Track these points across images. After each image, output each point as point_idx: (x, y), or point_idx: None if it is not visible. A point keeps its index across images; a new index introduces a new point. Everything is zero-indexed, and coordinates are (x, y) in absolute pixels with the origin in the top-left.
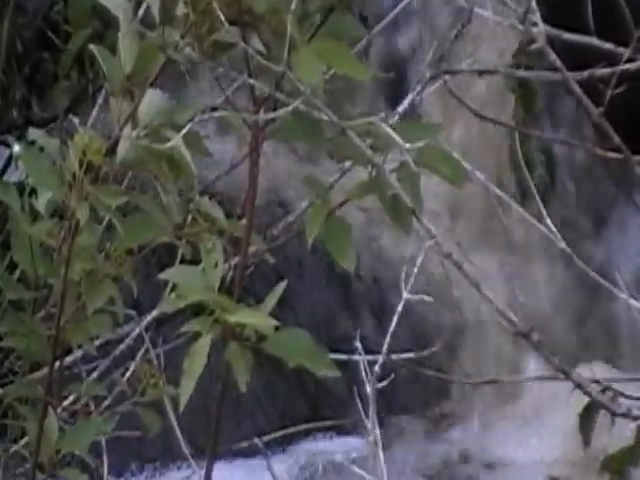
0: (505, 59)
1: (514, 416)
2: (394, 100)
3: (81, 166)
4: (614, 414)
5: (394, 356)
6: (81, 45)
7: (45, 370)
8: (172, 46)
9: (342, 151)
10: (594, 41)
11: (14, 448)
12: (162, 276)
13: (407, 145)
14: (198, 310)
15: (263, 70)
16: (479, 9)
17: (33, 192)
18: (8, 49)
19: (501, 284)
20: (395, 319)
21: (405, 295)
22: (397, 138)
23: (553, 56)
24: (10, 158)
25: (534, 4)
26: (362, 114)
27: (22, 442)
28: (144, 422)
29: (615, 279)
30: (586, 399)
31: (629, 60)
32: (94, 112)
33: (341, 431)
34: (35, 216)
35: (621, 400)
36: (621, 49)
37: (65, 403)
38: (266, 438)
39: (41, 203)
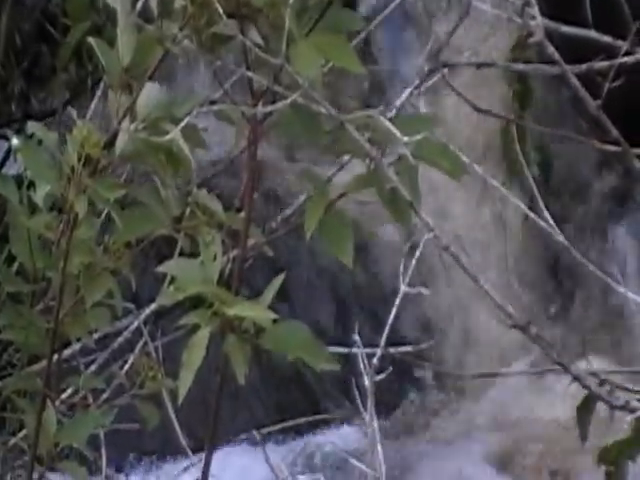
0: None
1: None
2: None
3: (79, 159)
4: (612, 407)
5: (392, 349)
6: (79, 38)
7: (43, 363)
8: (170, 39)
9: (340, 144)
10: (592, 34)
11: (13, 441)
12: (160, 269)
13: (405, 138)
14: (197, 303)
15: (261, 63)
16: (478, 2)
17: (32, 185)
18: (7, 42)
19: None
20: (393, 312)
21: (403, 288)
22: (395, 131)
23: (551, 49)
24: (9, 151)
25: None
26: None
27: (20, 435)
28: (143, 415)
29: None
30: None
31: (627, 53)
32: (92, 105)
33: (339, 422)
34: (34, 209)
35: (619, 393)
36: (619, 42)
37: (63, 396)
38: (264, 430)
39: (39, 196)
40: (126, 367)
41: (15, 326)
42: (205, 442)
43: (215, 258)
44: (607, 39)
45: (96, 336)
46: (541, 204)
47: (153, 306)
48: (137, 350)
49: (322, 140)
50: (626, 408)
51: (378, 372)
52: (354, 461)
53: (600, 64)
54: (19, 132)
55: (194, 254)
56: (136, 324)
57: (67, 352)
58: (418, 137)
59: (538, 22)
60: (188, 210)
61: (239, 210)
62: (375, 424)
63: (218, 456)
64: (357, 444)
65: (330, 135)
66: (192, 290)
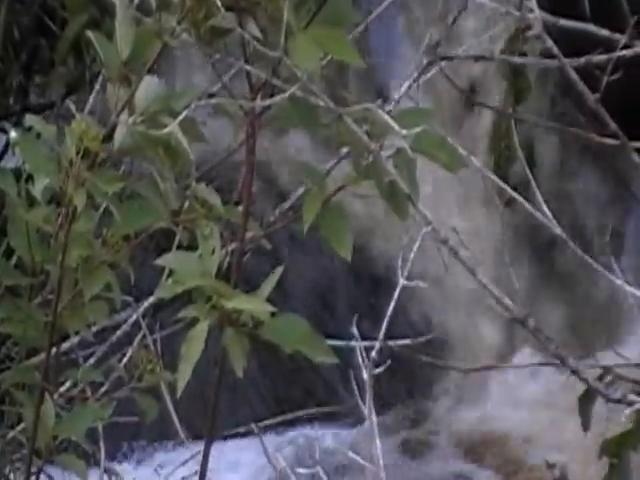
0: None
1: None
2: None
3: (78, 152)
4: (609, 400)
5: (390, 342)
6: (78, 31)
7: (42, 356)
8: (169, 32)
9: (339, 137)
10: (590, 28)
11: (11, 434)
12: (159, 262)
13: (404, 131)
14: (195, 296)
15: (260, 56)
16: None
17: (30, 178)
18: (5, 36)
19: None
20: (392, 305)
21: (401, 281)
22: (394, 124)
23: (550, 42)
24: (7, 144)
25: None
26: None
27: (19, 428)
28: (141, 408)
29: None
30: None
31: (625, 47)
32: (91, 98)
33: (337, 416)
34: (32, 202)
35: (619, 384)
36: (617, 36)
37: (62, 389)
38: (262, 424)
39: (38, 189)
40: (125, 360)
41: (13, 319)
42: (204, 435)
43: (213, 251)
44: (605, 32)
45: (94, 329)
46: (539, 197)
47: (152, 299)
48: (136, 343)
49: (320, 133)
50: (623, 401)
51: (376, 365)
52: (352, 454)
53: (598, 57)
54: (17, 125)
55: (192, 247)
56: (135, 317)
57: (65, 345)
58: (416, 130)
59: (536, 15)
60: (187, 203)
61: (237, 203)
62: (374, 418)
63: (215, 448)
64: (356, 437)
65: (328, 128)
66: (191, 283)
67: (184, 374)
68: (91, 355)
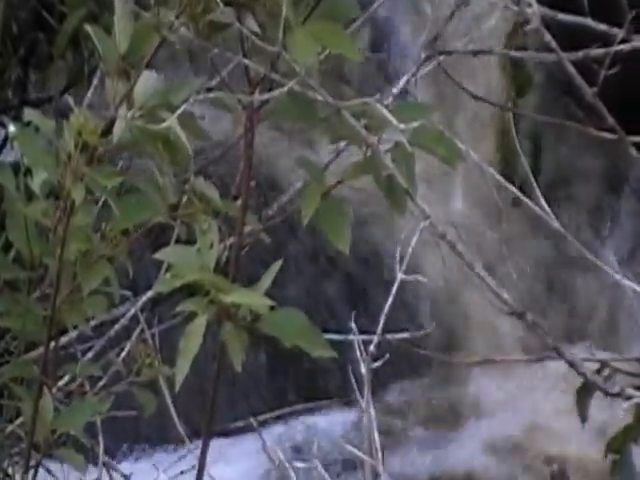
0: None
1: None
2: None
3: (76, 146)
4: (607, 394)
5: (389, 336)
6: (76, 25)
7: (40, 350)
8: (167, 26)
9: (337, 131)
10: (588, 22)
11: (10, 428)
12: (157, 256)
13: (402, 126)
14: (194, 290)
15: (258, 51)
16: None
17: (28, 172)
18: (3, 30)
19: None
20: (390, 299)
21: (399, 275)
22: (392, 119)
23: (548, 37)
24: (6, 138)
25: None
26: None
27: (17, 422)
28: (139, 402)
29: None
30: None
31: (623, 41)
32: (89, 93)
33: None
34: (30, 196)
35: (617, 378)
36: (615, 30)
37: (60, 383)
38: (261, 417)
39: (36, 183)
40: (123, 354)
41: (12, 313)
42: (202, 430)
43: (212, 246)
44: (603, 27)
45: (93, 323)
46: (537, 191)
47: (150, 293)
48: (134, 337)
49: (319, 127)
50: (621, 395)
51: (374, 359)
52: (351, 448)
53: (596, 52)
54: (16, 119)
55: (191, 241)
56: (133, 311)
57: (64, 339)
58: (414, 124)
59: (534, 9)
60: (185, 198)
61: (236, 197)
62: (372, 411)
63: (214, 444)
64: (354, 431)
65: (327, 122)
66: (189, 277)
67: (182, 368)
68: (89, 349)
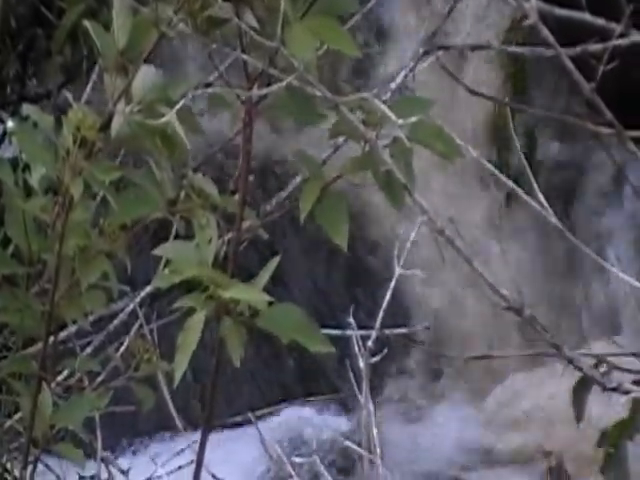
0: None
1: None
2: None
3: (75, 142)
4: (605, 388)
5: (387, 331)
6: (75, 21)
7: (39, 345)
8: (165, 22)
9: (335, 127)
10: (586, 17)
11: (8, 423)
12: (156, 252)
13: (400, 121)
14: (192, 286)
15: (256, 46)
16: None
17: (27, 168)
18: (2, 25)
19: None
20: (388, 294)
21: (398, 270)
22: (390, 114)
23: (546, 32)
24: (4, 134)
25: None
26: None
27: (16, 417)
28: (138, 397)
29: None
30: None
31: (621, 36)
32: (88, 88)
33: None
34: (29, 191)
35: (615, 374)
36: (613, 25)
37: (59, 378)
38: (259, 412)
39: (35, 179)
40: (122, 349)
41: (10, 309)
42: (200, 424)
43: (210, 241)
44: (601, 22)
45: (91, 318)
46: (535, 187)
47: (148, 289)
48: (132, 332)
49: (317, 122)
50: (619, 390)
51: (373, 354)
52: (350, 443)
53: (594, 47)
54: (14, 115)
55: (189, 237)
56: (131, 307)
57: (63, 334)
58: (413, 119)
59: (532, 4)
60: (183, 193)
61: (234, 193)
62: (370, 406)
63: (212, 438)
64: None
65: (325, 117)
66: (188, 273)
67: (181, 364)
68: (88, 344)
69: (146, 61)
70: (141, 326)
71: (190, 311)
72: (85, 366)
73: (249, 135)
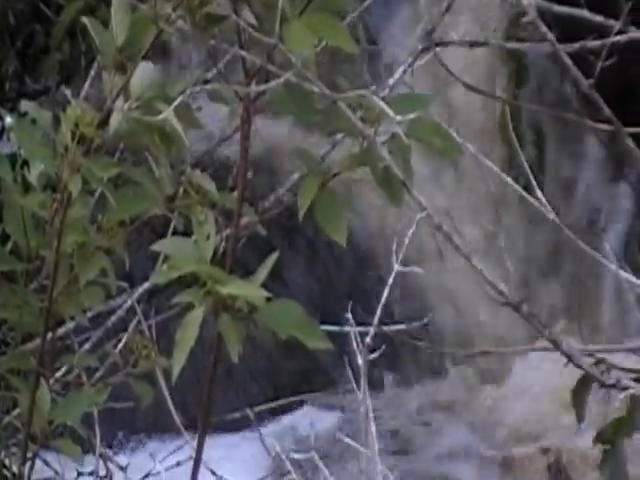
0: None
1: None
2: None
3: (73, 138)
4: (603, 385)
5: (385, 327)
6: (73, 18)
7: (37, 341)
8: (164, 18)
9: (333, 123)
10: (585, 13)
11: (7, 419)
12: (154, 248)
13: (398, 117)
14: (190, 282)
15: (255, 43)
16: None
17: (25, 164)
18: (1, 22)
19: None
20: (386, 291)
21: (396, 267)
22: (388, 110)
23: (544, 28)
24: (3, 130)
25: None
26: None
27: (14, 413)
28: (136, 393)
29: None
30: None
31: (619, 32)
32: (86, 84)
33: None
34: (27, 188)
35: (614, 372)
36: (611, 21)
37: (57, 374)
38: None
39: (33, 175)
40: (120, 345)
41: (9, 305)
42: (199, 421)
43: (208, 237)
44: (599, 18)
45: (90, 315)
46: (533, 183)
47: (147, 285)
48: (131, 329)
49: (315, 119)
50: (617, 386)
51: (371, 350)
52: (347, 439)
53: (593, 43)
54: (13, 111)
55: (188, 233)
56: (130, 303)
57: (61, 331)
58: (411, 116)
59: (531, 1)
60: (181, 189)
61: (232, 189)
62: (368, 402)
63: (210, 437)
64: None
65: (323, 114)
66: (186, 269)
67: (179, 360)
68: (86, 340)
69: (144, 58)
70: (139, 322)
71: (188, 307)
72: (83, 362)
73: (247, 131)
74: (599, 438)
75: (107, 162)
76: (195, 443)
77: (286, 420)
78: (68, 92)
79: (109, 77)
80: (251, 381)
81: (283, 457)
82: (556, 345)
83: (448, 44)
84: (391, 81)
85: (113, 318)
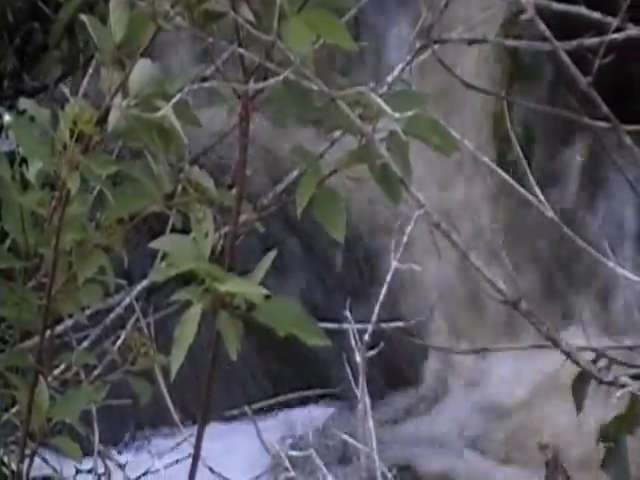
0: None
1: None
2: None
3: (72, 136)
4: (601, 382)
5: (383, 324)
6: (72, 15)
7: (36, 339)
8: (162, 15)
9: (332, 120)
10: (583, 11)
11: (5, 417)
12: (153, 245)
13: (397, 114)
14: (189, 279)
15: (253, 40)
16: None
17: (24, 162)
18: None
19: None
20: (384, 288)
21: (394, 264)
22: (387, 108)
23: (542, 26)
24: (1, 128)
25: None
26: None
27: (13, 411)
28: (135, 391)
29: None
30: None
31: (617, 30)
32: (85, 82)
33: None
34: (26, 185)
35: (613, 367)
36: (609, 19)
37: (56, 372)
38: (256, 406)
39: (32, 173)
40: (118, 343)
41: (7, 302)
42: (197, 418)
43: (207, 234)
44: (597, 16)
45: (88, 312)
46: (531, 179)
47: (145, 282)
48: (129, 326)
49: (313, 116)
50: (615, 384)
51: (370, 348)
52: (346, 437)
53: (590, 41)
54: (11, 109)
55: (186, 230)
56: (128, 300)
57: (59, 328)
58: (409, 113)
59: None
60: (180, 187)
61: (231, 186)
62: (367, 400)
63: (208, 431)
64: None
65: (321, 111)
66: (184, 266)
67: (177, 358)
68: (85, 338)
69: (143, 55)
70: (138, 320)
71: (187, 304)
72: (82, 360)
73: (245, 129)
74: (602, 436)
75: (105, 159)
76: (194, 440)
77: (284, 417)
78: (66, 89)
79: (108, 74)
80: (250, 379)
81: (282, 455)
82: (554, 342)
83: (446, 41)
84: (389, 78)
85: (112, 316)
